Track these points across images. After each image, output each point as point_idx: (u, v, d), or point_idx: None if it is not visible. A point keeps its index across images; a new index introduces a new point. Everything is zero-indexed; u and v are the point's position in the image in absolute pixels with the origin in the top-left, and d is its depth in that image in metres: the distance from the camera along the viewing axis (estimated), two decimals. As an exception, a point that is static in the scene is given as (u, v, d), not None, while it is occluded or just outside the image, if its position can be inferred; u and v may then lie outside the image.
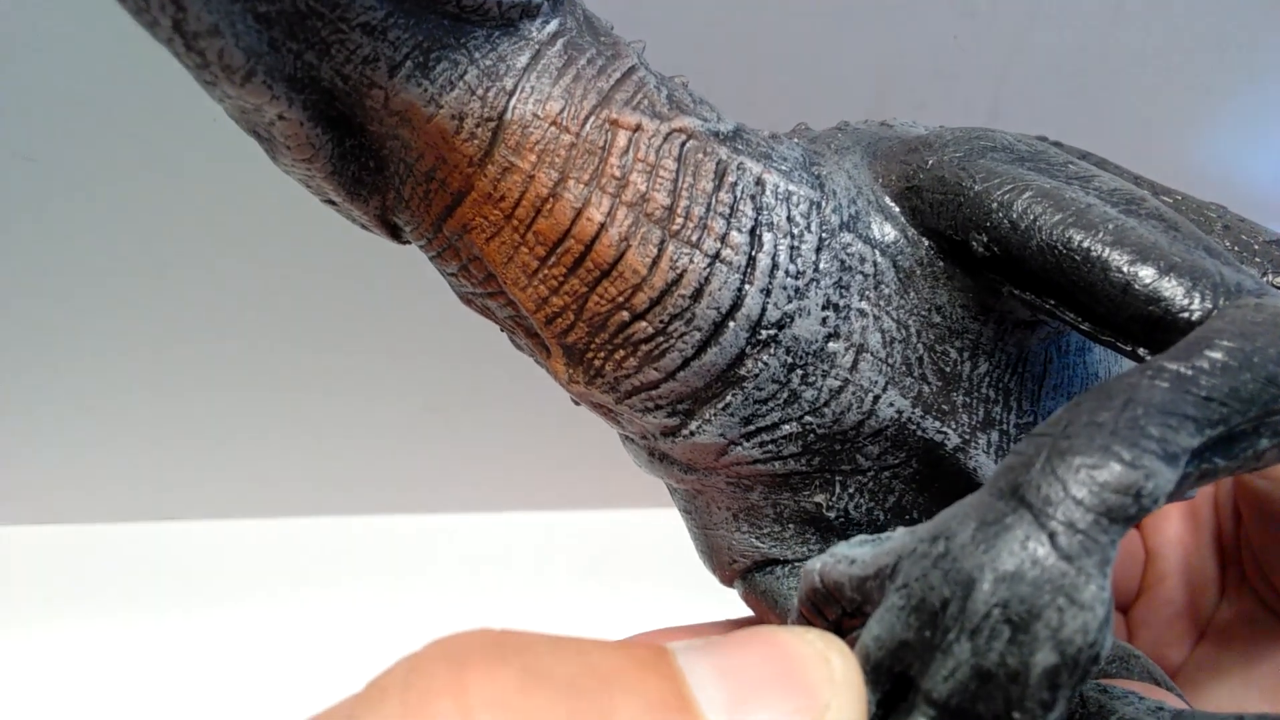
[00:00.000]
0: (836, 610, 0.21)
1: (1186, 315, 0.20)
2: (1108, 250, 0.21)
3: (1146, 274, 0.21)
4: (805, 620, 0.21)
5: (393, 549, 0.70)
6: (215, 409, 0.67)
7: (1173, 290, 0.20)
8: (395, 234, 0.24)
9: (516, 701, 0.15)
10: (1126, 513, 0.16)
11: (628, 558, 0.67)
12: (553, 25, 0.22)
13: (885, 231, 0.24)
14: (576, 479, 0.69)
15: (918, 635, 0.17)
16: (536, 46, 0.21)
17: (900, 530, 0.19)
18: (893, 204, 0.24)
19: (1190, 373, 0.18)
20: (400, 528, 0.71)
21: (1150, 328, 0.21)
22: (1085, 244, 0.21)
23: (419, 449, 0.69)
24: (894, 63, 0.58)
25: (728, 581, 0.29)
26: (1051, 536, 0.16)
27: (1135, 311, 0.21)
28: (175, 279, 0.62)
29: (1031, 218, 0.22)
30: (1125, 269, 0.21)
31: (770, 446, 0.24)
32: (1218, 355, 0.18)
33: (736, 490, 0.26)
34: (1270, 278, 0.29)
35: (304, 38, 0.20)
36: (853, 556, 0.20)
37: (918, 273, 0.24)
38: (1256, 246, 0.30)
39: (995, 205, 0.22)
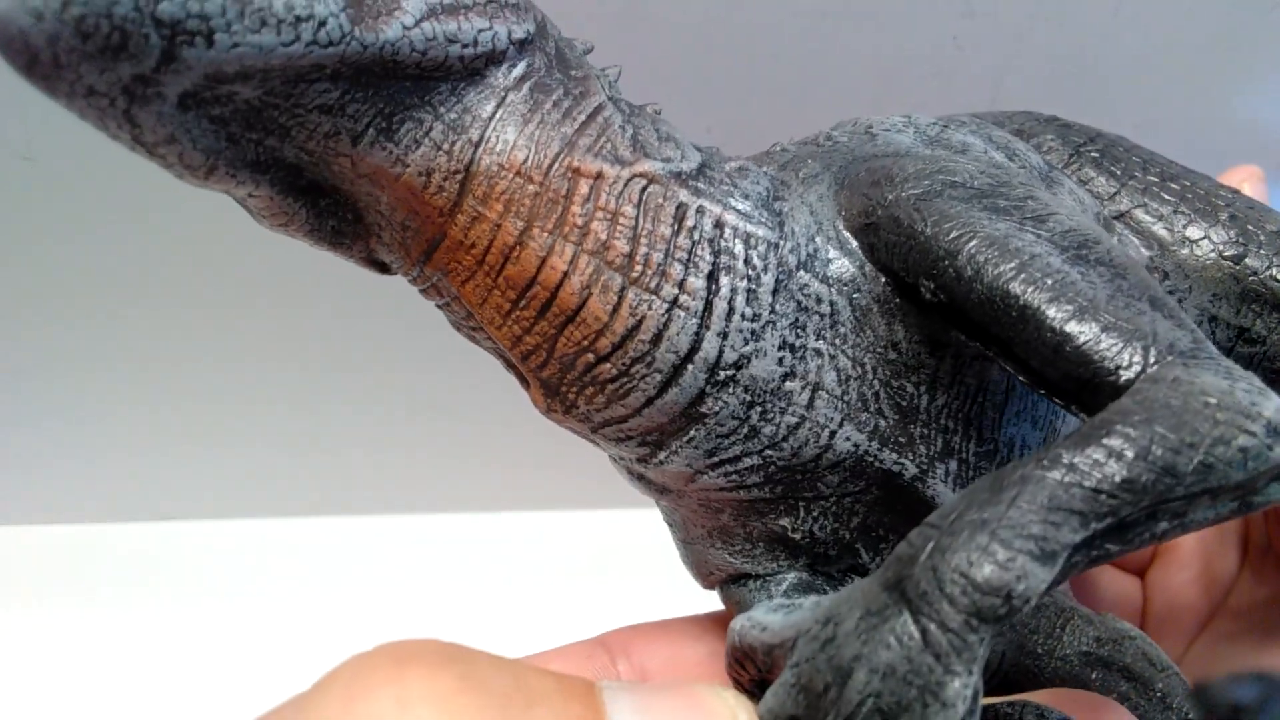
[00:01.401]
0: (755, 669, 0.22)
1: (1113, 380, 0.20)
2: (1044, 307, 0.21)
3: (1079, 335, 0.21)
4: (735, 668, 0.23)
5: (392, 549, 0.70)
6: (215, 409, 0.67)
7: (1102, 354, 0.20)
8: (384, 269, 0.25)
9: (451, 701, 0.16)
10: (996, 613, 0.17)
11: (621, 557, 0.67)
12: (519, 69, 0.22)
13: (843, 268, 0.24)
14: (572, 479, 0.69)
15: (805, 713, 0.18)
16: (502, 93, 0.22)
17: (810, 601, 0.20)
18: (852, 239, 0.24)
19: (1084, 464, 0.18)
20: (400, 528, 0.71)
21: (1080, 388, 0.21)
22: (1023, 299, 0.21)
23: (417, 449, 0.70)
24: (894, 63, 0.58)
25: (709, 588, 0.30)
26: (924, 633, 0.17)
27: (1067, 371, 0.21)
28: (174, 279, 0.62)
29: (974, 269, 0.22)
30: (1059, 328, 0.21)
31: (734, 476, 0.24)
32: (1115, 443, 0.18)
33: (709, 511, 0.27)
34: (1274, 270, 0.29)
35: (262, 126, 0.21)
36: (765, 624, 0.21)
37: (875, 309, 0.24)
38: (1263, 236, 0.30)
39: (942, 252, 0.22)
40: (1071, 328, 0.21)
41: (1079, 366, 0.21)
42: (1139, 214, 0.30)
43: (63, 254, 0.60)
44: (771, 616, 0.21)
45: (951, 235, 0.22)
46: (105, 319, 0.62)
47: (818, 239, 0.24)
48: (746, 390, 0.23)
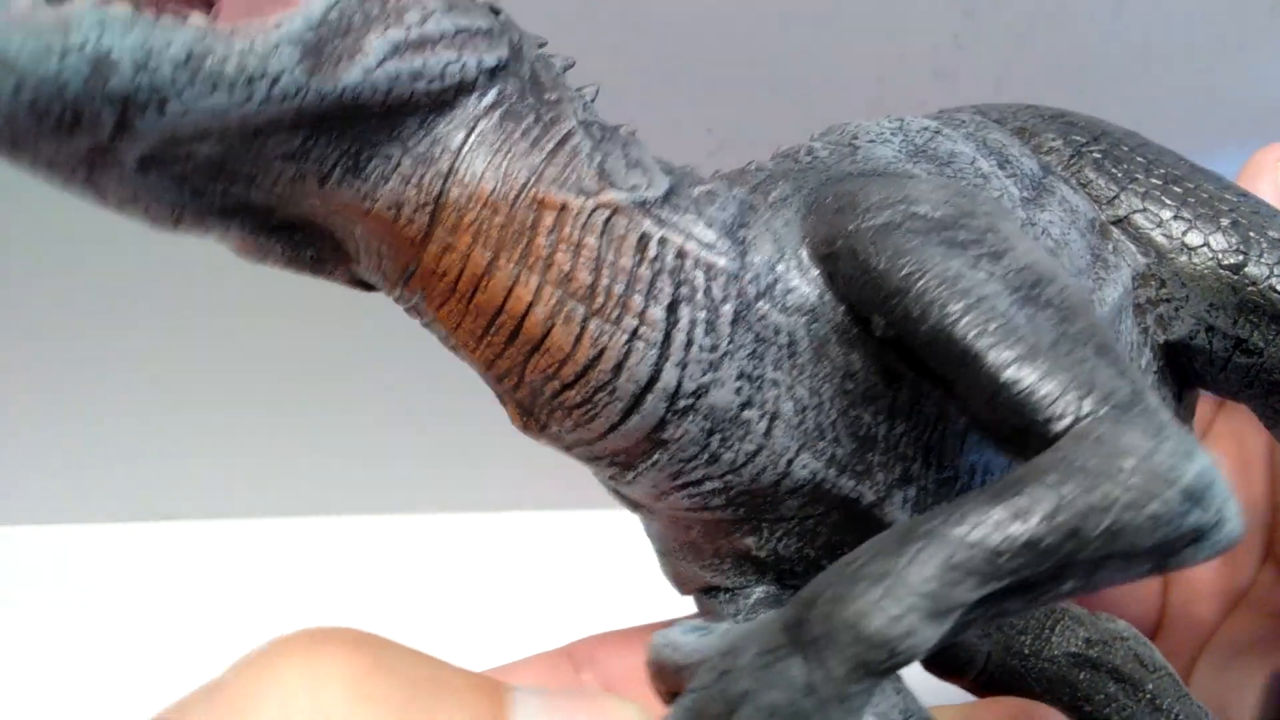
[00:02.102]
0: (667, 685, 0.22)
1: (1044, 432, 0.20)
2: (985, 353, 0.21)
3: (1015, 383, 0.21)
4: (654, 680, 0.23)
5: (391, 549, 0.70)
6: (215, 409, 0.67)
7: (1036, 404, 0.20)
8: (369, 288, 0.25)
9: (361, 682, 0.17)
10: (879, 667, 0.17)
11: (611, 557, 0.67)
12: (490, 96, 0.23)
13: (802, 297, 0.24)
14: (567, 480, 0.69)
15: None
16: (472, 122, 0.22)
17: (721, 628, 0.21)
18: (814, 266, 0.24)
19: (987, 524, 0.18)
20: (398, 528, 0.71)
21: (1015, 435, 0.21)
22: (964, 342, 0.21)
23: (417, 449, 0.70)
24: (894, 63, 0.58)
25: (685, 595, 0.30)
26: (809, 679, 0.17)
27: (1003, 418, 0.21)
28: (174, 279, 0.62)
29: (921, 308, 0.22)
30: (996, 375, 0.21)
31: (698, 498, 0.25)
32: (1023, 503, 0.18)
33: (680, 527, 0.27)
34: (1274, 281, 0.29)
35: (226, 178, 0.21)
36: (677, 644, 0.21)
37: (833, 339, 0.24)
38: (1264, 243, 0.29)
39: (893, 289, 0.22)
40: (1009, 374, 0.21)
41: (1014, 414, 0.21)
42: (1138, 219, 0.30)
43: (63, 254, 0.60)
44: (685, 637, 0.22)
45: (903, 273, 0.22)
46: (105, 319, 0.62)
47: (779, 267, 0.24)
48: (706, 418, 0.23)
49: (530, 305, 0.22)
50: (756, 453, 0.24)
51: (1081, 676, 0.31)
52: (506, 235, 0.22)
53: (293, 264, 0.24)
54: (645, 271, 0.23)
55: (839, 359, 0.24)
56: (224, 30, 0.19)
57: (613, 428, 0.24)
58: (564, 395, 0.23)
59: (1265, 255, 0.29)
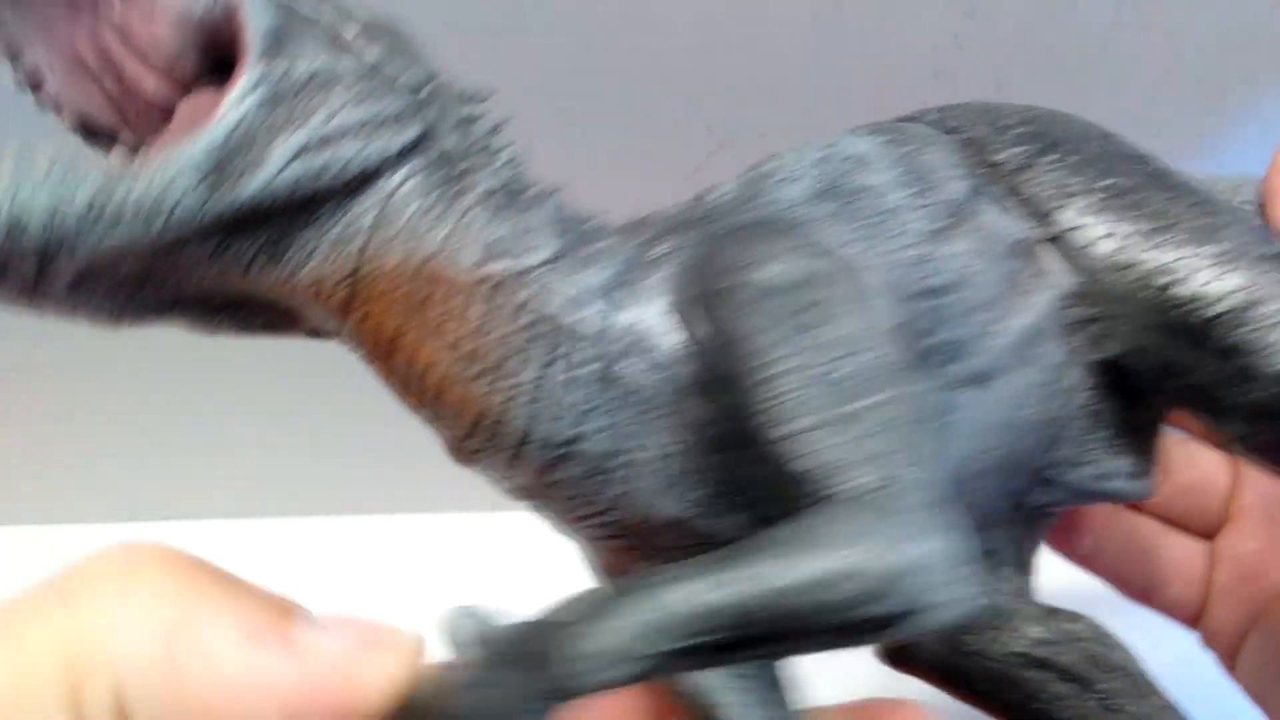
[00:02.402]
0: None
1: (800, 506, 0.22)
2: (772, 424, 0.23)
3: (786, 456, 0.22)
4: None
5: (391, 549, 0.70)
6: (216, 410, 0.67)
7: (800, 477, 0.22)
8: (331, 337, 0.28)
9: (177, 563, 0.21)
10: (559, 694, 0.19)
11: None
12: (399, 175, 0.25)
13: (663, 355, 0.26)
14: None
15: (426, 702, 0.21)
16: (383, 201, 0.25)
17: (507, 621, 0.23)
18: (675, 326, 0.26)
19: (687, 590, 0.20)
20: (397, 527, 0.71)
21: (790, 498, 0.22)
22: (758, 410, 0.23)
23: (415, 449, 0.69)
24: (894, 63, 0.58)
25: None
26: (503, 690, 0.20)
27: (782, 481, 0.23)
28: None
29: (735, 374, 0.24)
30: (776, 444, 0.23)
31: (591, 531, 0.28)
32: (728, 575, 0.20)
33: (596, 551, 0.30)
34: (1199, 306, 0.28)
35: (153, 284, 0.24)
36: (460, 625, 0.23)
37: (690, 394, 0.26)
38: (1200, 261, 0.28)
39: (719, 355, 0.24)
40: (783, 448, 0.22)
41: (787, 482, 0.22)
42: (1073, 236, 0.30)
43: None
44: (469, 619, 0.24)
45: (724, 341, 0.24)
46: (105, 319, 0.62)
47: (643, 326, 0.26)
48: (581, 464, 0.26)
49: (429, 367, 0.26)
50: (624, 495, 0.26)
51: (1028, 675, 0.32)
52: (410, 305, 0.25)
53: (246, 331, 0.27)
54: (521, 339, 0.25)
55: (697, 411, 0.26)
56: (131, 168, 0.22)
57: (507, 474, 0.27)
58: (466, 443, 0.27)
59: (1196, 276, 0.28)
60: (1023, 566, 0.36)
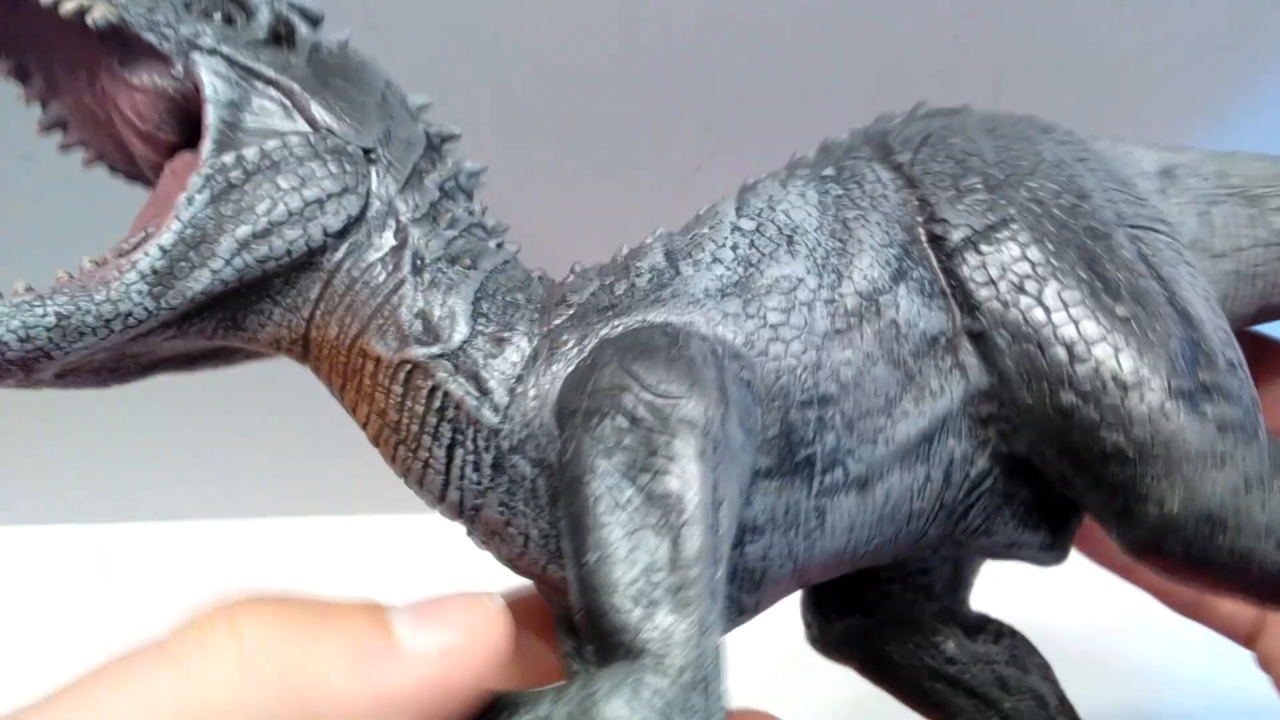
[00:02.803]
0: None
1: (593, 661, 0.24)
2: (580, 571, 0.24)
3: (584, 606, 0.24)
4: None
5: (390, 548, 0.70)
6: (215, 410, 0.67)
7: (594, 627, 0.24)
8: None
9: (270, 607, 0.22)
10: None
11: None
12: (341, 251, 0.28)
13: (544, 453, 0.28)
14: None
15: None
16: (327, 275, 0.28)
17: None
18: (555, 428, 0.28)
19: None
20: (398, 527, 0.71)
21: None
22: (572, 555, 0.25)
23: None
24: (894, 63, 0.58)
25: None
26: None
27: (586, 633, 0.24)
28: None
29: (570, 505, 0.25)
30: (576, 590, 0.24)
31: (508, 564, 0.31)
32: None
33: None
34: (1103, 433, 0.28)
35: (130, 360, 0.29)
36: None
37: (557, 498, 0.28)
38: (1104, 385, 0.28)
39: (563, 478, 0.26)
40: (584, 599, 0.24)
41: (595, 629, 0.24)
42: (993, 337, 0.29)
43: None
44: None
45: (570, 474, 0.26)
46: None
47: (532, 424, 0.28)
48: (483, 528, 0.30)
49: (365, 424, 0.30)
50: (520, 555, 0.30)
51: (937, 688, 0.36)
52: (348, 371, 0.29)
53: (229, 366, 0.31)
54: (432, 419, 0.28)
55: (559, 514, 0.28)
56: (89, 287, 0.26)
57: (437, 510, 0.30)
58: (408, 486, 0.30)
59: (1101, 404, 0.28)
60: (956, 583, 0.37)
